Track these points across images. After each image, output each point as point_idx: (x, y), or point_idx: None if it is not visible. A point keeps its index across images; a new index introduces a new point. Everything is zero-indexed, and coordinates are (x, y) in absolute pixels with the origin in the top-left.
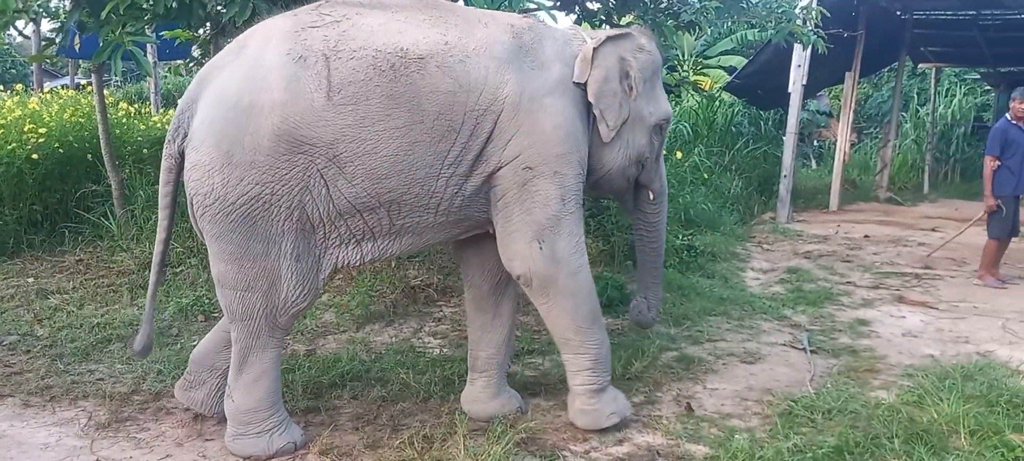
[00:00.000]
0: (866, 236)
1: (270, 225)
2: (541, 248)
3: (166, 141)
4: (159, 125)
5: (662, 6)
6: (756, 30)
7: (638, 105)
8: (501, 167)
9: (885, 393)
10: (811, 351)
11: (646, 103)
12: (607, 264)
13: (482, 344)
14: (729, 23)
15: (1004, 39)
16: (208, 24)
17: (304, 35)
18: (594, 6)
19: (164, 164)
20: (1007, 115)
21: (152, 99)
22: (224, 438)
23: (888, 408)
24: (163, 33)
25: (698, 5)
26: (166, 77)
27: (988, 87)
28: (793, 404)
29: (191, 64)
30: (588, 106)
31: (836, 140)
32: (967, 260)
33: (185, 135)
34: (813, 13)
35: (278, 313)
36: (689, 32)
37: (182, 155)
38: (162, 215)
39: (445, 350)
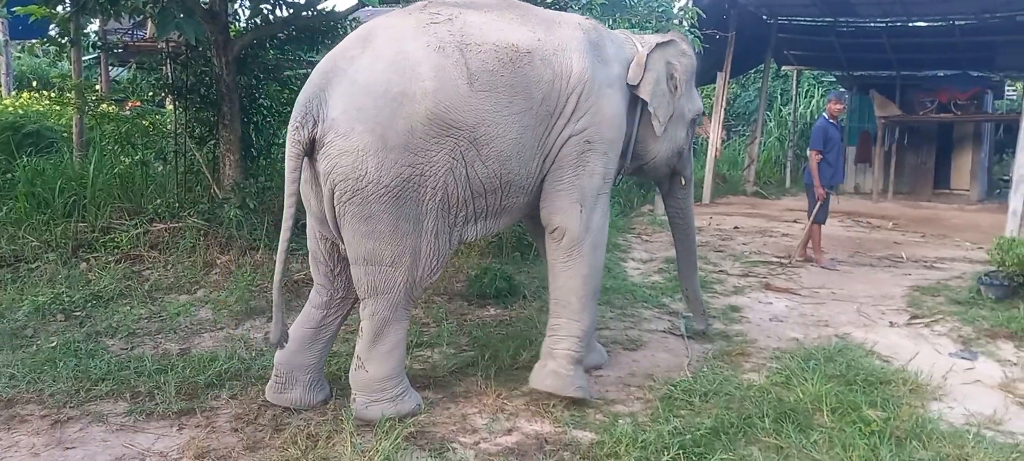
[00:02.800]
0: (736, 227)
1: (418, 204)
2: (581, 211)
3: (292, 128)
4: (11, 109)
5: (548, 3)
6: (637, 28)
7: (680, 103)
8: (569, 139)
9: (756, 375)
10: (688, 337)
11: (686, 101)
12: (495, 255)
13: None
14: (611, 21)
15: (857, 45)
16: (67, 1)
17: (432, 30)
18: None
19: (292, 151)
20: (825, 114)
21: (2, 81)
22: (354, 409)
23: (759, 389)
24: (15, 9)
25: (585, 2)
26: (20, 57)
27: (843, 89)
28: (673, 388)
29: (47, 44)
30: (633, 103)
31: (708, 137)
32: (823, 249)
33: (314, 123)
34: (689, 13)
35: (416, 286)
36: None
37: (312, 142)
38: (289, 201)
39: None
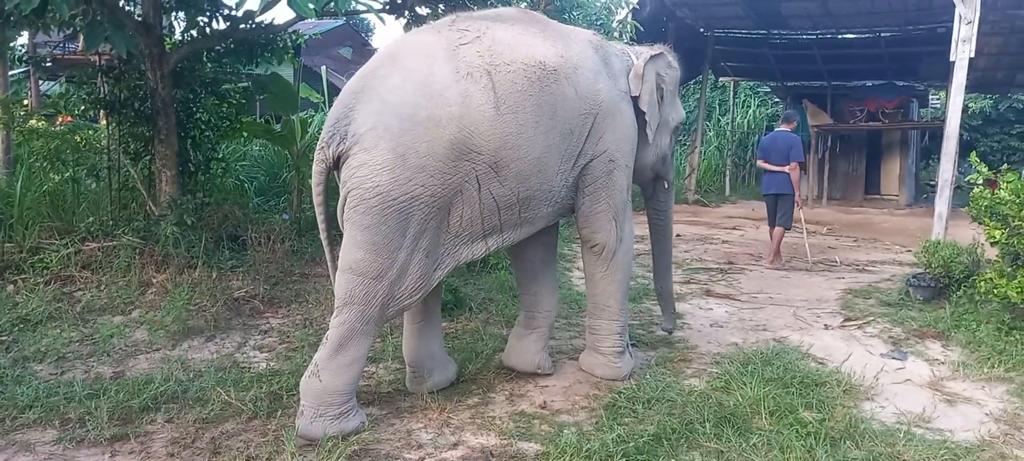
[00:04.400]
0: (678, 235)
1: (420, 222)
2: (615, 225)
3: (320, 146)
4: None
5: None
6: None
7: (666, 112)
8: (593, 159)
9: (697, 380)
10: (632, 345)
11: (670, 110)
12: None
13: (540, 305)
14: None
15: (790, 57)
16: None
17: (461, 52)
18: (424, 11)
19: (317, 168)
20: (787, 128)
21: None
22: (299, 422)
23: (700, 395)
24: None
25: (524, 4)
26: None
27: (777, 99)
28: (617, 396)
29: None
30: (636, 113)
31: None
32: (764, 254)
33: (340, 141)
34: (628, 27)
35: (393, 303)
36: None
37: (337, 159)
38: (320, 212)
39: (272, 364)
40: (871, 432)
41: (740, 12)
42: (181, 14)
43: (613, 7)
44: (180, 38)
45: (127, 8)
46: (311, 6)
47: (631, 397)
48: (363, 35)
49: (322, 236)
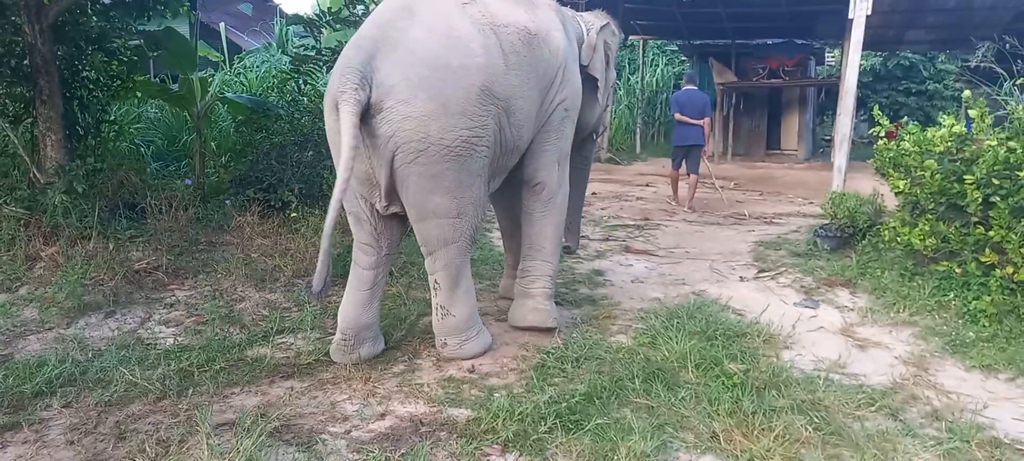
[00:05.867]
0: (594, 193)
1: (476, 161)
2: (558, 168)
3: (352, 88)
4: None
5: None
6: None
7: (608, 75)
8: (553, 109)
9: (624, 337)
10: (557, 303)
11: (609, 73)
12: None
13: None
14: None
15: (696, 15)
16: None
17: (468, 10)
18: None
19: (352, 109)
20: (694, 87)
21: None
22: (447, 353)
23: (627, 351)
24: None
25: None
26: None
27: (684, 58)
28: (546, 357)
29: None
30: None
31: None
32: (677, 212)
33: (369, 87)
34: None
35: (475, 232)
36: None
37: (370, 103)
38: (349, 154)
39: (180, 339)
40: (793, 380)
41: None
42: None
43: None
44: None
45: None
46: None
47: (560, 357)
48: None
49: (337, 192)
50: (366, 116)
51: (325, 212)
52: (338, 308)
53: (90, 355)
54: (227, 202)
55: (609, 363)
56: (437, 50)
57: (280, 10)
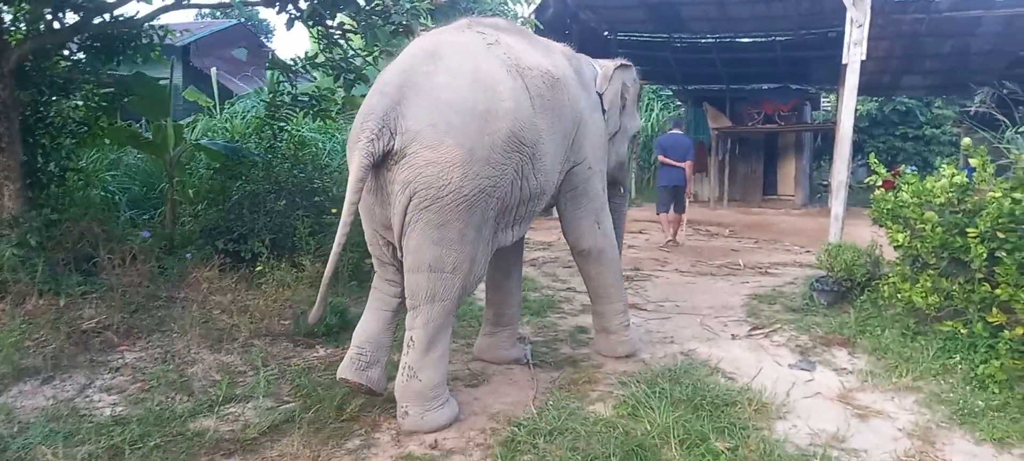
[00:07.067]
0: None
1: (485, 212)
2: (598, 227)
3: (367, 138)
4: None
5: (375, 7)
6: None
7: (626, 120)
8: (576, 165)
9: (603, 405)
10: (533, 365)
11: (630, 119)
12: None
13: (507, 304)
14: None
15: (690, 60)
16: None
17: (493, 52)
18: (304, 5)
19: (363, 161)
20: (679, 132)
21: None
22: (407, 425)
23: (606, 423)
24: None
25: (408, 6)
26: None
27: (679, 102)
28: (516, 430)
29: None
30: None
31: None
32: (669, 261)
33: (391, 135)
34: (530, 26)
35: (465, 292)
36: (406, 36)
37: (385, 154)
38: (351, 211)
39: (119, 409)
40: (786, 457)
41: (642, 15)
42: (24, 5)
43: (511, 3)
44: (25, 33)
45: None
46: None
47: (531, 430)
48: (261, 36)
49: (339, 237)
50: (387, 162)
51: (293, 265)
52: (297, 370)
53: (16, 429)
54: (188, 255)
55: (584, 437)
56: (464, 94)
57: (274, 55)
